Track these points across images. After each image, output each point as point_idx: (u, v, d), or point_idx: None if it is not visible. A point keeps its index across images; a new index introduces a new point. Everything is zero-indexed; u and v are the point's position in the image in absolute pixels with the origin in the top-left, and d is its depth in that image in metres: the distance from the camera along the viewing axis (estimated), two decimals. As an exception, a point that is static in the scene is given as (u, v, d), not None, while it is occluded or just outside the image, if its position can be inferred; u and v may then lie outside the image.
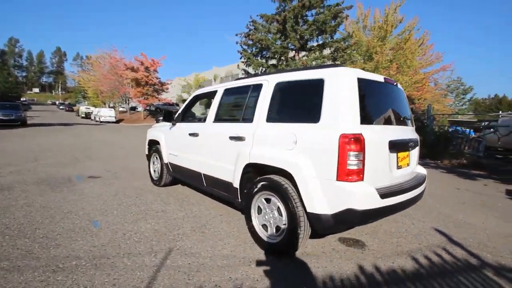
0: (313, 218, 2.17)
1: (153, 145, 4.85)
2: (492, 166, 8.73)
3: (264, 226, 2.63)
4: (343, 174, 2.02)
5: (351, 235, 3.02)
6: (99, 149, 9.20)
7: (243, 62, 20.59)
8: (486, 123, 14.03)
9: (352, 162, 2.01)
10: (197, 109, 7.80)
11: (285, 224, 2.40)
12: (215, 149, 3.23)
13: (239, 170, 2.81)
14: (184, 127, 3.95)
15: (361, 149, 2.02)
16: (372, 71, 20.83)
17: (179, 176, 4.16)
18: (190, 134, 3.66)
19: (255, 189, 2.64)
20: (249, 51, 21.04)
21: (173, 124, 4.21)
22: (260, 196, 2.64)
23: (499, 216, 4.00)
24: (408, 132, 2.71)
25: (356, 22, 21.89)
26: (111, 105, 41.02)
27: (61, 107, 57.05)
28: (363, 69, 21.85)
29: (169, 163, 4.28)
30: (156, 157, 4.76)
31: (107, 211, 3.52)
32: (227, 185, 3.04)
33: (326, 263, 2.45)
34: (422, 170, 2.99)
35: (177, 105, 43.19)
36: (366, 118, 2.17)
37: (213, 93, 3.64)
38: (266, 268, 2.32)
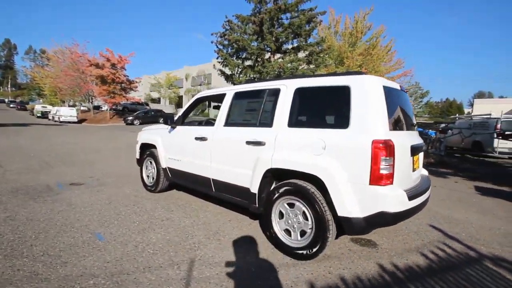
0: (344, 221, 2.23)
1: (147, 149, 4.60)
2: (453, 164, 9.67)
3: (287, 231, 2.64)
4: (376, 178, 2.11)
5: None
6: (71, 152, 8.46)
7: (219, 62, 20.37)
8: (444, 125, 15.48)
9: (384, 167, 2.11)
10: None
11: (311, 228, 2.43)
12: (228, 154, 3.15)
13: (258, 176, 2.78)
14: (188, 131, 3.80)
15: (392, 154, 2.12)
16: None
17: (181, 182, 3.99)
18: (197, 138, 3.53)
19: (277, 194, 2.64)
20: (225, 51, 20.91)
21: (173, 127, 4.03)
22: (283, 201, 2.64)
23: (477, 211, 4.44)
24: (417, 136, 2.91)
25: (328, 28, 22.84)
26: (71, 103, 37.97)
27: (11, 105, 51.38)
28: (334, 73, 22.97)
29: (168, 168, 4.09)
30: (151, 162, 4.51)
31: (106, 221, 3.26)
32: (242, 191, 2.99)
33: (349, 264, 2.52)
34: (424, 172, 3.21)
35: (147, 104, 41.40)
36: (392, 124, 2.29)
37: (221, 96, 3.56)
38: (296, 273, 2.33)
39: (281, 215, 2.68)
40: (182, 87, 45.43)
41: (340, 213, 2.23)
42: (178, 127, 3.97)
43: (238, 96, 3.30)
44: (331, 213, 2.32)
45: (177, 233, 3.02)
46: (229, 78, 21.61)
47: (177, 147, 3.89)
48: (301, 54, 20.82)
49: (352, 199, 2.19)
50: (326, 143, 2.33)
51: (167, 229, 3.10)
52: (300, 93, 2.69)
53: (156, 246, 2.70)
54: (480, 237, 3.33)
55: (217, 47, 21.16)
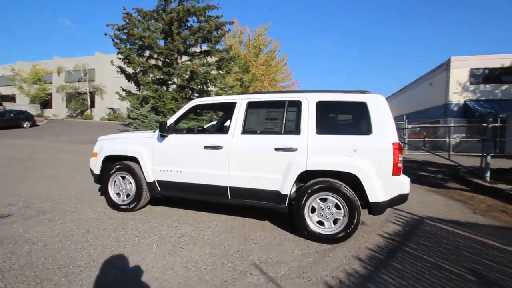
0: (374, 205, 2.90)
1: (114, 162, 3.93)
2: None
3: (320, 223, 3.09)
4: (396, 170, 2.88)
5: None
6: None
7: (120, 58, 17.95)
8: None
9: (399, 161, 2.90)
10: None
11: (345, 216, 2.98)
12: (251, 161, 3.25)
13: (292, 178, 3.08)
14: (191, 140, 3.58)
15: (402, 152, 2.95)
16: (249, 82, 23.71)
17: (176, 194, 3.67)
18: (208, 147, 3.41)
19: (309, 192, 3.04)
20: (124, 46, 18.65)
21: (164, 137, 3.67)
22: (316, 198, 3.07)
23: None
24: None
25: (234, 37, 24.15)
26: None
27: None
28: (241, 79, 24.36)
29: (158, 181, 3.68)
30: (123, 177, 3.89)
31: (119, 254, 2.72)
32: (271, 194, 3.20)
33: (362, 238, 3.22)
34: None
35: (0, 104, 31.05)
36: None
37: (227, 105, 3.58)
38: (341, 253, 2.80)
39: (313, 210, 3.10)
40: (52, 83, 36.61)
41: (372, 199, 2.88)
42: (172, 136, 3.66)
43: (252, 105, 3.45)
44: (360, 201, 2.94)
45: (212, 247, 2.90)
46: (131, 77, 19.46)
47: (175, 158, 3.58)
48: (210, 59, 21.15)
49: (380, 187, 2.88)
50: (357, 146, 2.94)
51: (195, 245, 2.92)
52: (321, 105, 3.19)
53: (206, 262, 2.56)
54: (415, 208, 4.76)
55: (113, 40, 18.67)
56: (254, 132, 3.40)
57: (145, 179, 3.74)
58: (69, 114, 36.86)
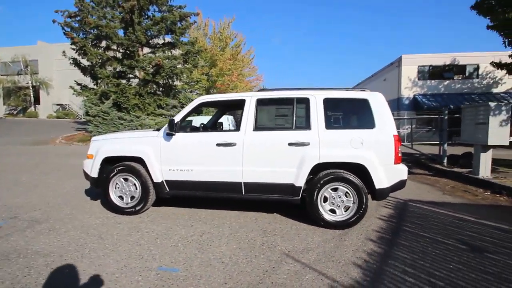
0: (379, 191, 3.25)
1: (115, 163, 3.73)
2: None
3: (332, 211, 3.36)
4: (397, 159, 3.25)
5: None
6: None
7: (74, 49, 16.30)
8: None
9: (399, 151, 3.29)
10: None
11: (354, 203, 3.29)
12: (266, 156, 3.37)
13: (306, 171, 3.28)
14: (202, 138, 3.55)
15: (400, 143, 3.34)
16: (217, 76, 23.35)
17: (186, 193, 3.63)
18: (220, 144, 3.44)
19: (322, 183, 3.29)
20: (77, 35, 16.99)
21: (171, 135, 3.58)
22: (327, 188, 3.32)
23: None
24: None
25: (198, 29, 23.44)
26: None
27: None
28: (207, 74, 23.87)
29: (167, 181, 3.61)
30: (126, 179, 3.72)
31: (143, 252, 2.65)
32: (285, 187, 3.37)
33: (366, 222, 3.59)
34: None
35: None
36: (392, 124, 3.52)
37: (238, 102, 3.63)
38: (356, 236, 3.10)
39: (325, 199, 3.36)
40: (-17, 76, 31.75)
41: (378, 186, 3.22)
42: (180, 134, 3.60)
43: (261, 102, 3.55)
44: (367, 188, 3.28)
45: (237, 240, 2.99)
46: (86, 71, 17.86)
47: (186, 156, 3.53)
48: (175, 52, 20.32)
49: (384, 175, 3.24)
50: (364, 139, 3.24)
51: (221, 241, 2.98)
52: (327, 102, 3.42)
53: (245, 254, 2.65)
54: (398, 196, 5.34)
55: (63, 29, 16.92)
56: (266, 129, 3.52)
57: (152, 179, 3.63)
58: (8, 111, 32.43)
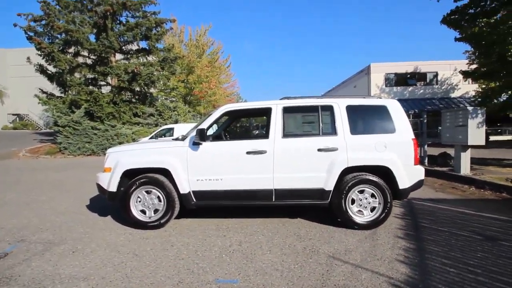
0: (402, 191, 3.48)
1: (136, 176, 3.56)
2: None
3: (360, 212, 3.53)
4: (416, 160, 3.52)
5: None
6: None
7: (40, 55, 15.09)
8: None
9: (418, 153, 3.57)
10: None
11: (380, 203, 3.49)
12: (296, 162, 3.45)
13: (335, 175, 3.42)
14: (232, 146, 3.53)
15: (418, 145, 3.63)
16: (194, 83, 23.03)
17: (215, 203, 3.58)
18: (250, 153, 3.45)
19: (350, 186, 3.45)
20: (44, 40, 15.82)
21: (198, 144, 3.51)
22: (355, 190, 3.49)
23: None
24: None
25: (173, 36, 23.03)
26: None
27: None
28: (184, 81, 23.45)
29: (195, 191, 3.52)
30: (149, 192, 3.56)
31: (190, 266, 2.56)
32: (315, 191, 3.48)
33: (387, 219, 3.81)
34: None
35: None
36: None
37: (265, 110, 3.69)
38: (385, 233, 3.29)
39: (352, 201, 3.52)
40: None
41: (401, 186, 3.46)
42: (208, 144, 3.55)
43: (287, 110, 3.64)
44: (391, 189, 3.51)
45: (278, 246, 3.01)
46: (53, 77, 16.64)
47: (216, 166, 3.48)
48: (150, 59, 19.73)
49: (405, 176, 3.49)
50: (387, 143, 3.48)
51: (263, 249, 2.98)
52: (350, 109, 3.62)
53: (294, 259, 2.67)
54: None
55: (26, 33, 15.68)
56: (294, 135, 3.62)
57: (178, 190, 3.51)
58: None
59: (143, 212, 3.59)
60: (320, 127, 3.58)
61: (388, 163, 3.44)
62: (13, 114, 29.86)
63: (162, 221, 3.54)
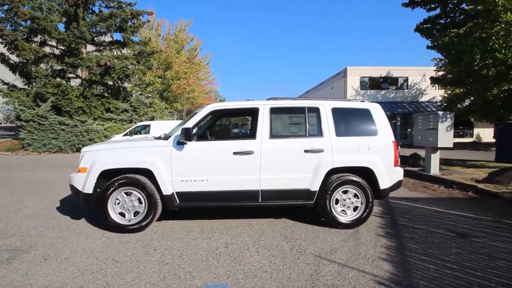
0: (383, 191, 3.61)
1: (115, 177, 3.36)
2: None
3: (343, 211, 3.61)
4: (396, 162, 3.67)
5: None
6: None
7: (2, 43, 13.81)
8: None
9: (397, 155, 3.72)
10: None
11: (362, 203, 3.59)
12: (283, 163, 3.44)
13: (321, 176, 3.46)
14: (218, 146, 3.44)
15: (398, 148, 3.79)
16: (172, 79, 22.35)
17: (201, 204, 3.48)
18: (238, 153, 3.39)
19: (334, 186, 3.52)
20: (6, 26, 14.53)
21: (182, 144, 3.39)
22: (339, 191, 3.57)
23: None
24: None
25: (150, 29, 22.17)
26: None
27: None
28: (160, 76, 22.71)
29: (179, 192, 3.39)
30: (128, 193, 3.38)
31: (175, 271, 2.46)
32: (301, 192, 3.50)
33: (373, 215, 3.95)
34: None
35: None
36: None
37: (252, 111, 3.65)
38: (370, 230, 3.40)
39: (336, 201, 3.60)
40: None
41: (382, 187, 3.59)
42: (193, 144, 3.43)
43: (274, 111, 3.62)
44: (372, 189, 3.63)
45: (265, 247, 2.99)
46: (16, 68, 15.37)
47: (201, 166, 3.38)
48: (125, 52, 18.86)
49: (386, 177, 3.62)
50: (369, 145, 3.58)
51: (251, 251, 2.94)
52: (335, 111, 3.69)
53: (282, 261, 2.66)
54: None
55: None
56: (281, 136, 3.62)
57: (161, 192, 3.37)
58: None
59: (122, 215, 3.40)
60: (307, 129, 3.62)
61: (371, 164, 3.55)
62: (-33, 106, 27.10)
63: (143, 224, 3.37)
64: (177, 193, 3.41)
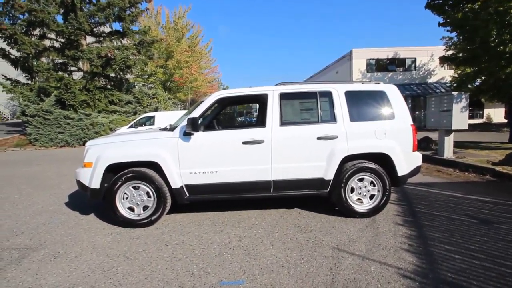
0: (401, 178, 3.44)
1: (122, 171, 3.25)
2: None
3: (359, 200, 3.46)
4: (414, 147, 3.48)
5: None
6: None
7: (1, 37, 13.61)
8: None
9: (415, 140, 3.52)
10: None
11: (379, 191, 3.44)
12: (295, 152, 3.28)
13: (335, 164, 3.30)
14: (227, 136, 3.29)
15: (416, 132, 3.58)
16: (174, 69, 22.00)
17: (211, 196, 3.37)
18: (247, 142, 3.23)
19: (349, 174, 3.36)
20: (4, 20, 14.27)
21: (189, 135, 3.24)
22: (354, 179, 3.41)
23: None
24: None
25: (149, 17, 21.65)
26: None
27: None
28: (162, 66, 22.35)
29: (188, 185, 3.28)
30: (137, 187, 3.27)
31: (189, 268, 2.37)
32: (315, 181, 3.36)
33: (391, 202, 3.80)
34: None
35: None
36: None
37: (260, 97, 3.45)
38: (385, 219, 3.26)
39: (352, 190, 3.45)
40: None
41: (400, 173, 3.41)
42: (200, 134, 3.28)
43: (284, 96, 3.43)
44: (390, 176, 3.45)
45: (279, 240, 2.88)
46: (18, 63, 15.21)
47: (209, 157, 3.24)
48: (125, 42, 18.51)
49: (404, 163, 3.44)
50: (386, 130, 3.39)
51: (265, 244, 2.83)
52: (349, 95, 3.48)
53: (298, 254, 2.55)
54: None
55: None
56: (292, 123, 3.44)
57: (170, 185, 3.26)
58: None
59: (131, 209, 3.31)
60: (319, 114, 3.42)
61: (388, 150, 3.37)
62: (-27, 103, 27.26)
63: (152, 218, 3.29)
64: (186, 185, 3.30)
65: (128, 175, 3.23)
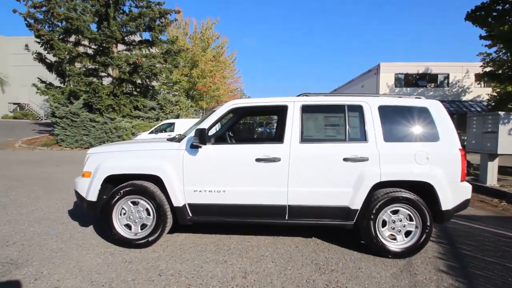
0: (445, 213, 2.83)
1: (121, 183, 2.95)
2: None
3: (392, 236, 2.89)
4: (463, 175, 2.87)
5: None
6: None
7: (39, 42, 14.49)
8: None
9: (465, 167, 2.92)
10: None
11: (417, 227, 2.84)
12: (316, 174, 2.81)
13: (364, 191, 2.78)
14: (238, 151, 2.91)
15: (466, 158, 2.98)
16: (198, 78, 22.34)
17: (217, 219, 2.97)
18: (261, 160, 2.82)
19: (381, 204, 2.81)
20: (45, 28, 15.21)
21: (197, 148, 2.89)
22: (387, 210, 2.85)
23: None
24: None
25: (178, 28, 22.31)
26: None
27: None
28: (187, 75, 22.76)
29: (191, 204, 2.91)
30: (135, 203, 2.95)
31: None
32: (339, 210, 2.85)
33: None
34: None
35: None
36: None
37: (279, 108, 3.05)
38: (425, 269, 2.66)
39: (383, 223, 2.89)
40: None
41: (444, 207, 2.81)
42: (209, 147, 2.92)
43: (307, 109, 2.99)
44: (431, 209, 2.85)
45: (291, 280, 2.39)
46: (52, 67, 16.05)
47: (217, 174, 2.86)
48: (153, 50, 19.08)
49: (450, 195, 2.84)
50: (429, 154, 2.83)
51: (274, 284, 2.36)
52: (383, 110, 2.97)
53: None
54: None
55: (25, 20, 15.04)
56: (315, 141, 2.99)
57: (171, 203, 2.90)
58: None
59: (129, 227, 2.98)
60: (347, 131, 2.93)
61: (430, 178, 2.79)
62: (14, 103, 29.36)
63: (150, 239, 2.92)
64: (189, 204, 2.92)
65: (127, 189, 2.91)
